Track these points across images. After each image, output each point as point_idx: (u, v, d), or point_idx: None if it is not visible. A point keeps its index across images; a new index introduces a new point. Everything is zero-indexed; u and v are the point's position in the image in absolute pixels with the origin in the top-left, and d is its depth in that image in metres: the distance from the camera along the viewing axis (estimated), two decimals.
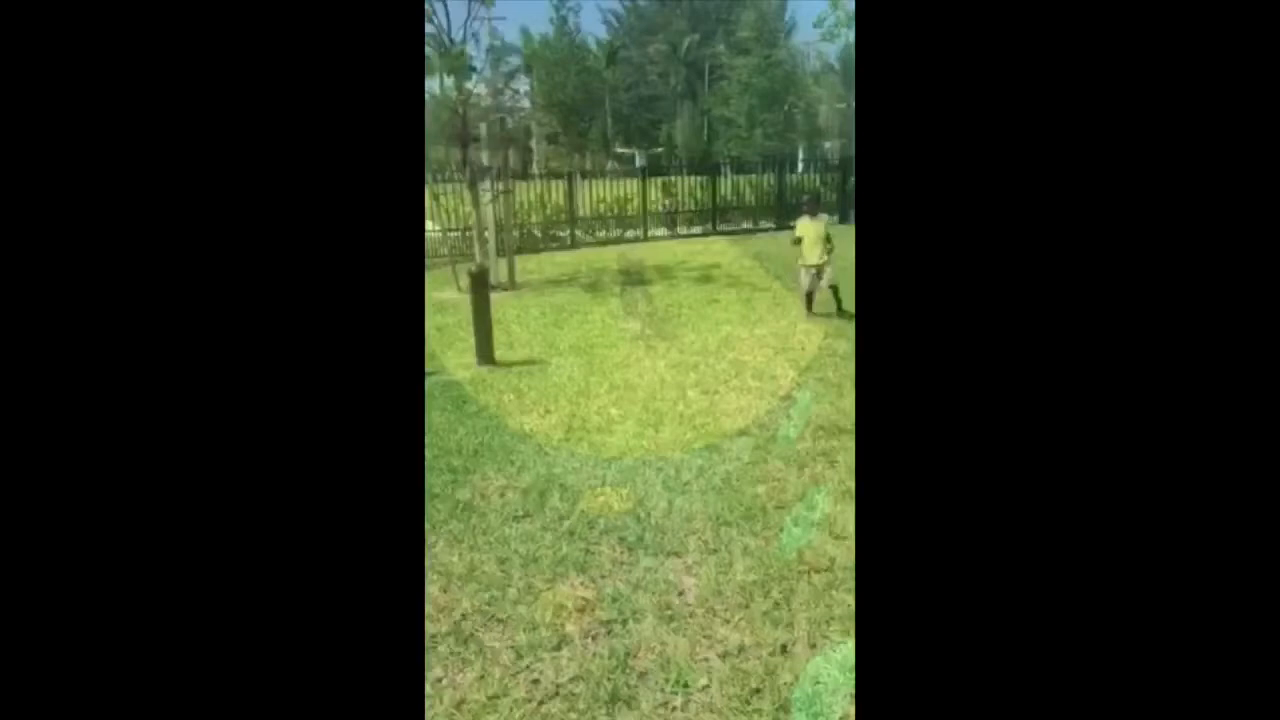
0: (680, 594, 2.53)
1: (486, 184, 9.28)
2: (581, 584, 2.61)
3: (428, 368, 5.51)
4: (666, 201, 14.69)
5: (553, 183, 14.17)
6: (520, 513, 3.15)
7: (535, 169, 22.61)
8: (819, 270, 6.75)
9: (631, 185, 14.63)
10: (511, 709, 2.03)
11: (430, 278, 9.82)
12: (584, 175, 15.19)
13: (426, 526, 3.05)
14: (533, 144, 30.40)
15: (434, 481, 3.46)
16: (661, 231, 14.39)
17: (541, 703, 2.05)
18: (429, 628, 2.38)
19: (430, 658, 2.24)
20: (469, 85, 9.23)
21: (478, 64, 9.59)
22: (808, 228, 6.82)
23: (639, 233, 14.13)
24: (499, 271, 9.11)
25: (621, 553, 2.81)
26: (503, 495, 3.33)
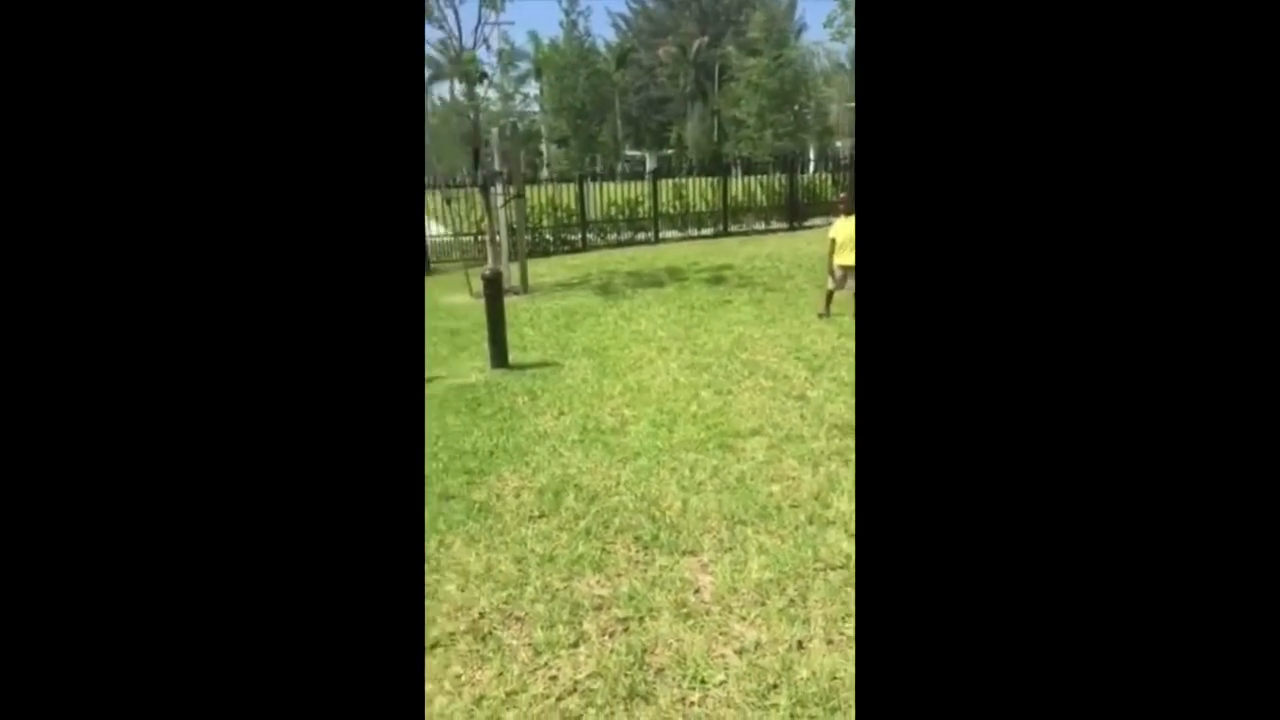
0: (696, 591, 2.55)
1: (498, 188, 9.34)
2: (598, 582, 2.63)
3: (442, 372, 5.55)
4: (677, 203, 14.69)
5: (563, 186, 14.20)
6: (536, 513, 3.18)
7: (545, 172, 22.67)
8: (847, 272, 6.47)
9: (642, 187, 14.65)
10: (530, 705, 2.05)
11: (443, 282, 9.90)
12: (594, 178, 15.21)
13: (443, 527, 3.08)
14: (542, 147, 30.48)
15: (450, 483, 3.49)
16: (673, 233, 14.40)
17: (560, 699, 2.07)
18: (447, 626, 2.41)
19: (449, 655, 2.27)
20: (480, 90, 9.31)
21: (488, 69, 9.64)
22: (839, 228, 6.50)
23: (650, 234, 14.14)
24: (511, 275, 9.15)
25: (637, 551, 2.83)
26: (518, 496, 3.36)
